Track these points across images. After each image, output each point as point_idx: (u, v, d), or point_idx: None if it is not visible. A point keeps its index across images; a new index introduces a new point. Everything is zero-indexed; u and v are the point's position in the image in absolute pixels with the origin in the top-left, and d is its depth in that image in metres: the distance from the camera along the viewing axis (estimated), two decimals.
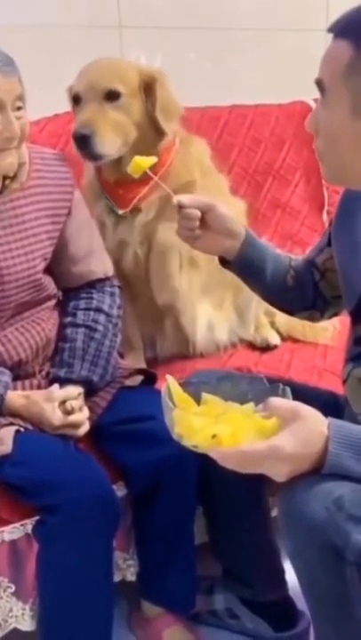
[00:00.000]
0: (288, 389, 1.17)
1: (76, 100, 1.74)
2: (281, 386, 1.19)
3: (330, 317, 1.58)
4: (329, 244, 1.45)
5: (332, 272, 1.46)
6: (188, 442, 1.11)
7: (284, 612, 1.61)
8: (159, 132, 1.77)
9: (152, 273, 1.86)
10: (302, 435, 1.08)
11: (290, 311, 1.60)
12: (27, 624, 1.48)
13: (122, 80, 1.72)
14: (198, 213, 1.40)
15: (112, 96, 1.71)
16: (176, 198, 1.40)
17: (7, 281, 1.47)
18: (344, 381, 1.36)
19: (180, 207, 1.39)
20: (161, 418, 1.47)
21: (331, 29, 1.19)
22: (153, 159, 1.49)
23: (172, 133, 1.80)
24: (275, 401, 1.11)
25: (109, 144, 1.69)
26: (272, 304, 1.60)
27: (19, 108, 1.41)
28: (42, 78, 2.23)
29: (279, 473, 1.09)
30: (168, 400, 1.15)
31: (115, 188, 1.82)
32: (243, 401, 1.18)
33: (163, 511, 1.52)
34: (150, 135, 1.77)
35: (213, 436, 1.08)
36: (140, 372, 1.67)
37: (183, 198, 1.40)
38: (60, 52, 2.27)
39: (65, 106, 2.16)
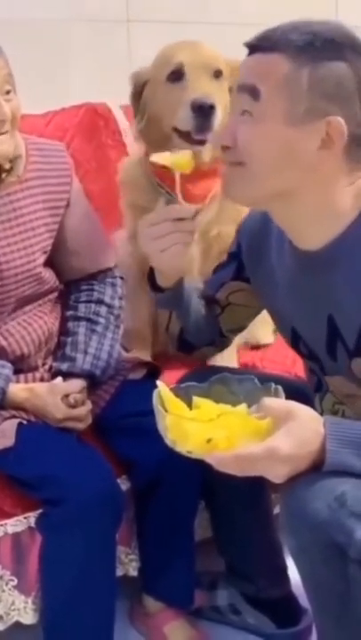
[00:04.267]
0: (280, 388, 1.15)
1: (177, 74, 1.63)
2: (273, 385, 1.17)
3: (219, 352, 1.63)
4: (234, 278, 1.46)
5: (236, 306, 1.48)
6: (182, 448, 1.09)
7: (286, 609, 1.60)
8: None
9: (204, 269, 1.79)
10: (298, 434, 1.06)
11: (191, 349, 1.56)
12: (29, 617, 1.47)
13: (221, 60, 1.67)
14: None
15: (218, 75, 1.65)
16: (194, 207, 1.31)
17: (6, 276, 1.46)
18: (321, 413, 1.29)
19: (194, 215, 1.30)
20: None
21: (259, 44, 1.17)
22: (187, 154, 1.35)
23: None
24: (268, 401, 1.09)
25: (221, 121, 1.58)
26: (182, 341, 1.54)
27: (7, 92, 1.39)
28: (49, 72, 2.25)
29: (277, 474, 1.08)
30: (159, 406, 1.12)
31: (182, 183, 1.74)
32: (235, 402, 1.16)
33: (164, 506, 1.51)
34: None
35: (208, 441, 1.06)
36: (143, 364, 1.66)
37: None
38: (68, 46, 2.27)
39: (72, 98, 2.18)
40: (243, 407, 1.14)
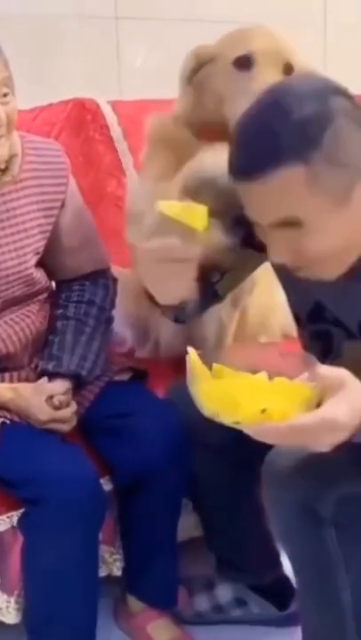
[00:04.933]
0: (314, 357, 1.11)
1: (246, 61, 1.51)
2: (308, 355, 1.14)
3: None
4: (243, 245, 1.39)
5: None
6: (229, 418, 1.00)
7: (284, 591, 1.61)
8: None
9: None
10: (352, 403, 1.02)
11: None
12: (11, 617, 1.46)
13: (294, 56, 1.55)
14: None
15: (288, 70, 1.53)
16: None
17: None
18: None
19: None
20: (147, 413, 1.44)
21: (258, 170, 1.06)
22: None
23: None
24: (323, 369, 1.04)
25: None
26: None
27: (5, 95, 1.37)
28: (37, 68, 2.23)
29: (326, 443, 1.04)
30: (194, 374, 1.03)
31: None
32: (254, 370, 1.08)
33: (147, 506, 1.51)
34: None
35: (263, 411, 0.98)
36: (130, 368, 1.65)
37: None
38: (56, 43, 2.26)
39: (60, 95, 2.16)
40: (262, 375, 1.06)
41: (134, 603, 1.60)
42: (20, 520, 1.42)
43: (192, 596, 1.67)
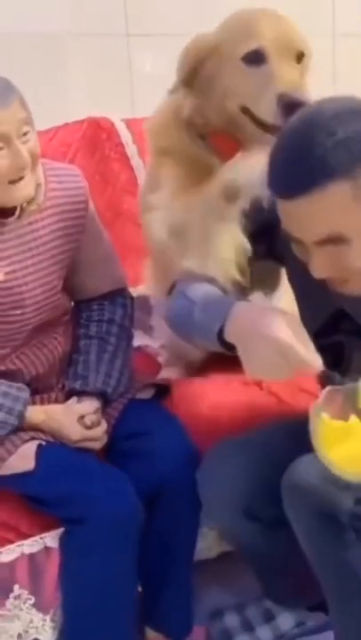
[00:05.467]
0: None
1: (257, 56, 1.44)
2: None
3: None
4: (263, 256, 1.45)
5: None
6: None
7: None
8: None
9: None
10: None
11: None
12: (47, 635, 1.49)
13: (304, 42, 1.48)
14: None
15: (300, 58, 1.46)
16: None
17: (28, 304, 1.47)
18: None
19: None
20: (161, 433, 1.51)
21: (306, 188, 1.09)
22: None
23: None
24: None
25: None
26: None
27: (25, 134, 1.36)
28: (50, 87, 2.26)
29: None
30: (326, 437, 1.06)
31: None
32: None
33: (160, 532, 1.51)
34: None
35: None
36: (152, 384, 1.67)
37: None
38: (69, 61, 2.29)
39: (75, 115, 2.19)
40: None
41: (151, 633, 1.59)
42: (61, 540, 1.44)
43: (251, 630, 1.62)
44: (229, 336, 1.24)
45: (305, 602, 1.60)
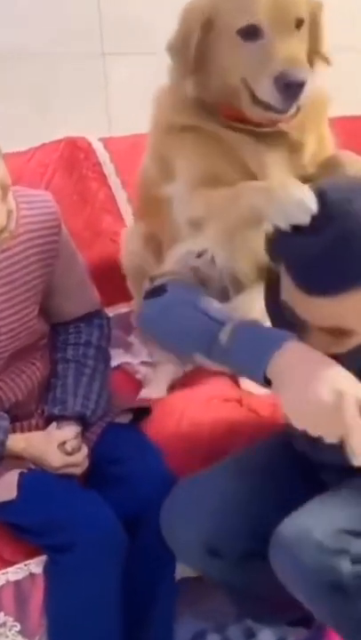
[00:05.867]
0: None
1: (253, 31, 1.36)
2: None
3: None
4: None
5: None
6: None
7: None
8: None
9: None
10: None
11: None
12: None
13: (302, 3, 1.40)
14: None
15: (300, 24, 1.38)
16: None
17: (3, 332, 1.47)
18: None
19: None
20: (136, 460, 1.52)
21: (332, 291, 1.11)
22: None
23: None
24: None
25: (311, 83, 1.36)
26: None
27: None
28: (26, 108, 2.26)
29: None
30: None
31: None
32: None
33: (140, 556, 1.49)
34: None
35: None
36: (131, 409, 1.68)
37: None
38: (45, 81, 2.28)
39: (52, 135, 2.19)
40: None
41: None
42: (45, 567, 1.44)
43: None
44: (275, 372, 1.16)
45: (285, 618, 1.59)
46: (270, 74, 1.33)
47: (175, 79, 1.54)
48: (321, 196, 1.15)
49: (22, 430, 1.54)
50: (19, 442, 1.48)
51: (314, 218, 1.14)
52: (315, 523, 1.23)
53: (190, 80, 1.48)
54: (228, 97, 1.46)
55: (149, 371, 1.96)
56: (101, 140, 2.21)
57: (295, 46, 1.36)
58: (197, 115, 1.51)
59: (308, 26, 1.43)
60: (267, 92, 1.36)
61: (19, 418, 1.54)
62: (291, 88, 1.33)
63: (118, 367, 2.00)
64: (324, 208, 1.13)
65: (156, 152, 1.64)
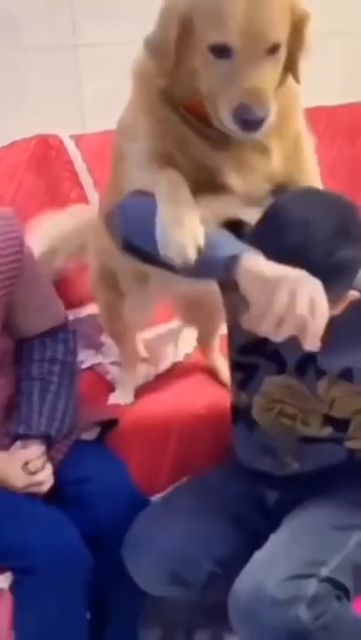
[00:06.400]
0: None
1: (223, 50, 1.30)
2: None
3: None
4: None
5: None
6: None
7: None
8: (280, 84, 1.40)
9: None
10: None
11: None
12: None
13: (283, 25, 1.31)
14: None
15: (275, 49, 1.31)
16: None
17: None
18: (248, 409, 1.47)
19: None
20: (103, 479, 1.53)
21: None
22: None
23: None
24: None
25: (273, 118, 1.33)
26: None
27: None
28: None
29: None
30: None
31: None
32: None
33: (103, 573, 1.51)
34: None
35: None
36: (97, 423, 1.69)
37: None
38: (16, 76, 2.23)
39: (23, 132, 2.15)
40: None
41: None
42: (11, 587, 1.46)
43: None
44: (245, 271, 1.18)
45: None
46: (230, 104, 1.29)
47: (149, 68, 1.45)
48: (280, 208, 1.23)
49: None
50: None
51: (276, 229, 1.20)
52: (264, 576, 1.26)
53: (168, 78, 1.38)
54: (196, 97, 1.40)
55: (119, 372, 1.98)
56: (73, 137, 2.17)
57: (264, 75, 1.30)
58: (162, 106, 1.45)
59: (290, 39, 1.35)
60: (226, 120, 1.32)
61: None
62: (249, 123, 1.29)
63: (90, 368, 2.02)
64: (284, 221, 1.21)
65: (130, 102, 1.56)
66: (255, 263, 1.17)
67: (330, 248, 1.18)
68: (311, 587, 1.25)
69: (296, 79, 1.41)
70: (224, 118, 1.32)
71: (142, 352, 2.05)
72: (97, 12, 2.34)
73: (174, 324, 2.12)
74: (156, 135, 1.45)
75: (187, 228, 1.29)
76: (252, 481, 1.53)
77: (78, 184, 2.15)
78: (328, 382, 1.39)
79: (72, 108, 2.35)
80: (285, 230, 1.19)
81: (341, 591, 1.30)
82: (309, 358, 1.37)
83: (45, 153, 2.13)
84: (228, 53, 1.29)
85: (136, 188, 1.46)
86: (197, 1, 1.28)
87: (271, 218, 1.23)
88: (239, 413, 1.53)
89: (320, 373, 1.39)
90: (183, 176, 1.40)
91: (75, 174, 2.16)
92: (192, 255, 1.25)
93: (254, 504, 1.51)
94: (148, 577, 1.44)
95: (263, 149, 1.46)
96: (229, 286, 1.25)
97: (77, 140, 2.18)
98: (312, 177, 1.44)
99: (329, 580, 1.28)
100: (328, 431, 1.44)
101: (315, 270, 1.15)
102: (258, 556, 1.34)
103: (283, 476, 1.49)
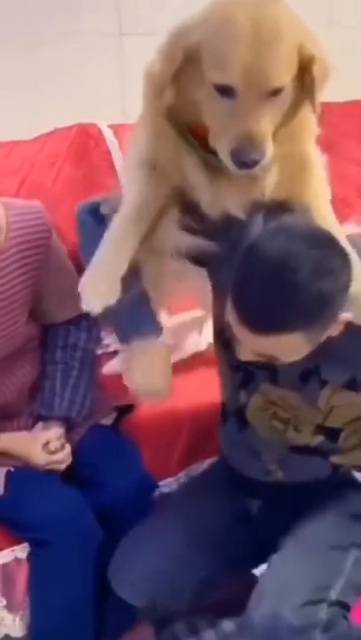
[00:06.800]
0: None
1: (226, 91, 1.33)
2: None
3: None
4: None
5: None
6: None
7: None
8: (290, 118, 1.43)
9: None
10: None
11: None
12: (17, 631, 1.66)
13: (288, 68, 1.33)
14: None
15: (277, 92, 1.34)
16: None
17: None
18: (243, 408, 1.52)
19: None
20: (116, 465, 1.65)
21: (271, 331, 1.24)
22: None
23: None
24: None
25: (270, 155, 1.36)
26: None
27: None
28: (36, 92, 2.26)
29: None
30: None
31: None
32: None
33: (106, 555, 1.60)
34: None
35: None
36: (115, 407, 1.80)
37: None
38: (57, 63, 2.27)
39: (62, 119, 2.20)
40: None
41: None
42: (28, 557, 1.59)
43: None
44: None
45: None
46: (228, 143, 1.33)
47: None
48: (258, 247, 1.26)
49: (12, 429, 1.66)
50: (4, 441, 1.62)
51: (260, 268, 1.24)
52: (279, 604, 1.31)
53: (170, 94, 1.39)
54: (201, 122, 1.41)
55: None
56: (111, 126, 2.21)
57: (262, 117, 1.33)
58: (164, 121, 1.45)
59: (298, 80, 1.37)
60: (224, 158, 1.36)
61: (7, 417, 1.66)
62: (244, 164, 1.33)
63: (115, 352, 2.12)
64: (264, 258, 1.24)
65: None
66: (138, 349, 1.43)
67: (310, 283, 1.20)
68: (323, 612, 1.31)
69: (314, 110, 1.42)
70: (222, 155, 1.36)
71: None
72: (142, 1, 2.39)
73: (199, 312, 2.20)
74: (150, 144, 1.48)
75: (103, 283, 1.41)
76: (235, 489, 1.58)
77: (114, 175, 2.15)
78: (331, 391, 1.43)
79: (114, 96, 2.40)
80: (264, 268, 1.23)
81: (346, 610, 1.36)
82: (312, 370, 1.42)
83: (85, 142, 2.17)
84: (232, 94, 1.32)
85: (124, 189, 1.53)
86: (207, 39, 1.30)
87: (249, 256, 1.26)
88: (230, 413, 1.57)
89: (323, 383, 1.43)
90: (166, 185, 1.47)
91: (112, 164, 2.19)
92: (95, 310, 1.39)
93: (238, 516, 1.56)
94: (133, 600, 1.51)
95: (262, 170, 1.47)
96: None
97: (116, 129, 2.21)
98: (318, 200, 1.45)
99: (338, 602, 1.34)
100: (319, 440, 1.47)
101: (297, 305, 1.20)
102: (267, 583, 1.38)
103: (266, 484, 1.54)
